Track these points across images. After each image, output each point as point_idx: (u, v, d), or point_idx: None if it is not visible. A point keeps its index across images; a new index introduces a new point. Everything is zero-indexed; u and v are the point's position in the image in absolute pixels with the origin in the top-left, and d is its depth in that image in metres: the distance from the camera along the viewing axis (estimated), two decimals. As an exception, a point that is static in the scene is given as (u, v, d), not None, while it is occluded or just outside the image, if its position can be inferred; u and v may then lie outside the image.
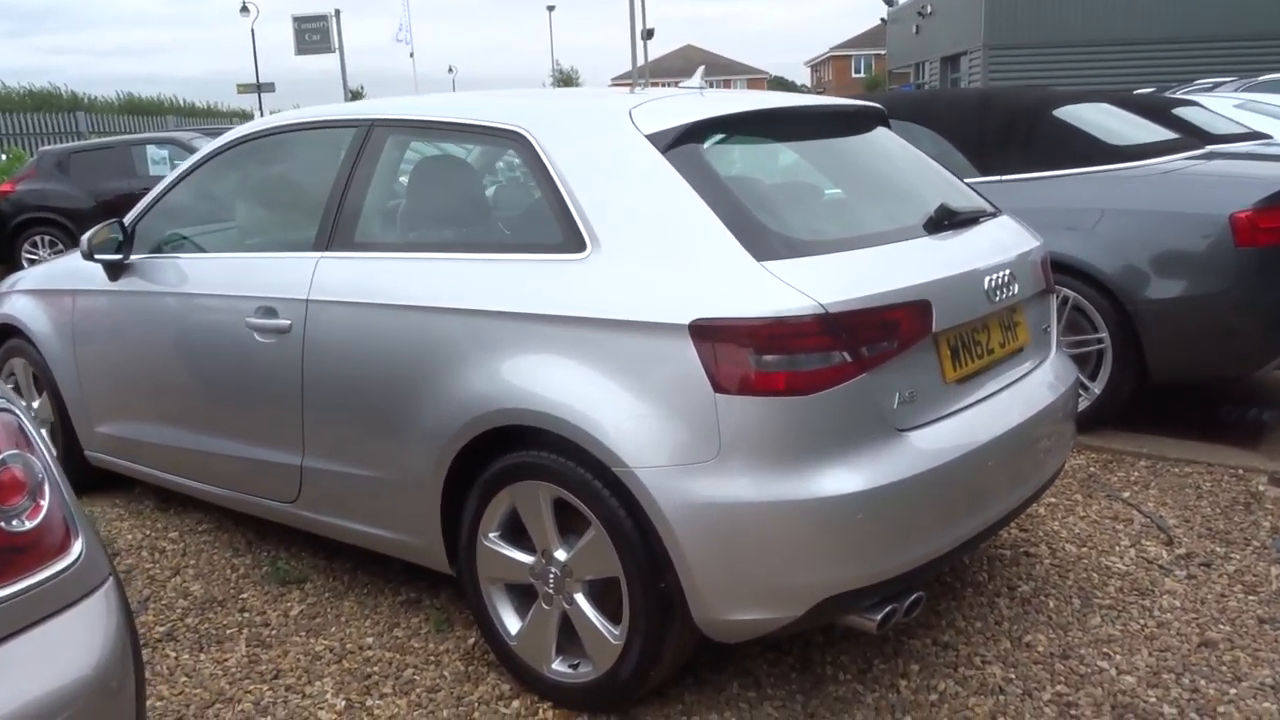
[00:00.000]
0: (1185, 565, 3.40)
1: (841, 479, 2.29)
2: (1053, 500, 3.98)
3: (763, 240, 2.40)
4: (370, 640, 3.03)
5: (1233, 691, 2.68)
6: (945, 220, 2.80)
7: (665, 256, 2.44)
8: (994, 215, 3.14)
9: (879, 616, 2.41)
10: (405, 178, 3.21)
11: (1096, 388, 4.54)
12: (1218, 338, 4.31)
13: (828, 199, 2.90)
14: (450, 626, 3.07)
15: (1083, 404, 4.55)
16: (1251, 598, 3.18)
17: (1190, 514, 3.82)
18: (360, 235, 3.08)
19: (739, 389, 2.28)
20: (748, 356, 2.27)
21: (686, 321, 2.32)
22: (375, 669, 2.87)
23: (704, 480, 2.30)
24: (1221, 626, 3.01)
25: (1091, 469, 4.31)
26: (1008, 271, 2.79)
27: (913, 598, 2.47)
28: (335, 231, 3.12)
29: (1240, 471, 4.18)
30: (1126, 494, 4.03)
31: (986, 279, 2.69)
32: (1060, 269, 4.48)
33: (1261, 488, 4.02)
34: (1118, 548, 3.54)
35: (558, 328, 2.51)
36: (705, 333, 2.30)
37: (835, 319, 2.30)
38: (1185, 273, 4.31)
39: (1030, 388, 2.92)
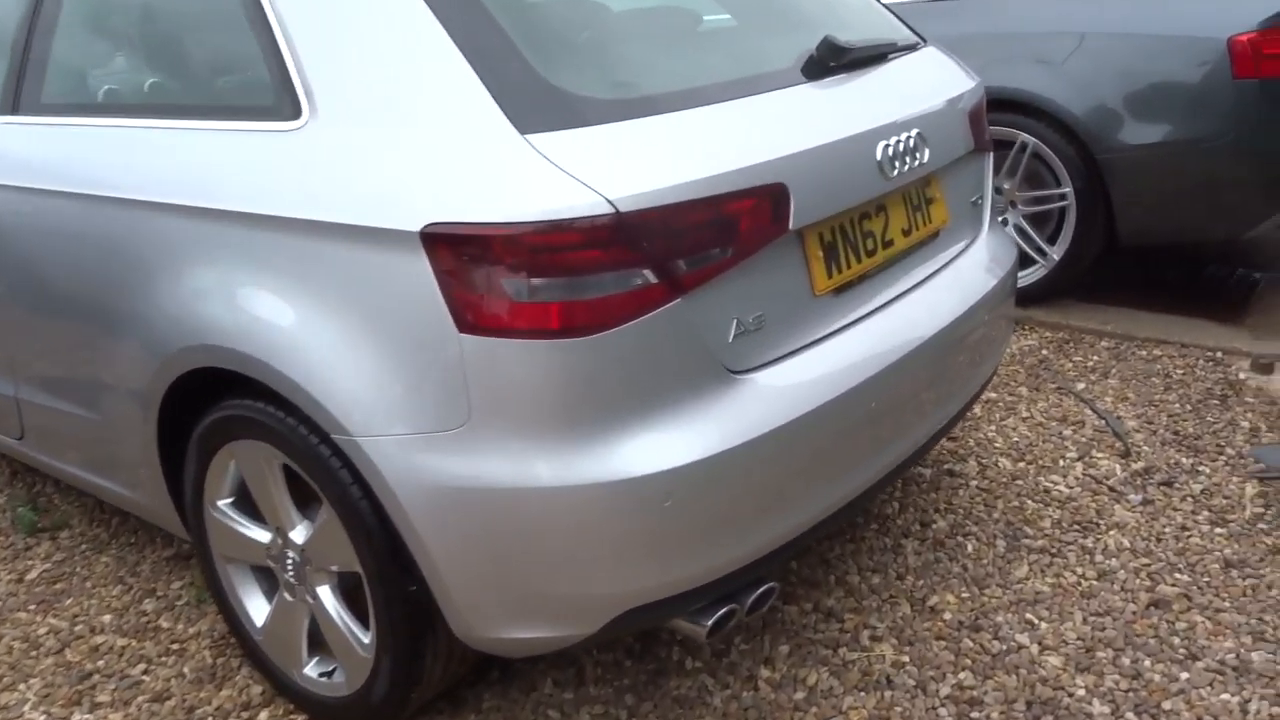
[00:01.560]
0: (1142, 485, 2.78)
1: (641, 453, 1.60)
2: (992, 395, 3.32)
3: (533, 100, 1.62)
4: (109, 619, 2.41)
5: (1184, 676, 2.09)
6: (831, 61, 2.01)
7: (395, 126, 1.67)
8: (910, 49, 2.34)
9: (709, 623, 1.77)
10: (104, 19, 2.37)
11: (1055, 252, 3.81)
12: (1204, 192, 3.56)
13: (654, 31, 2.09)
14: (210, 598, 2.45)
15: (1039, 272, 3.85)
16: (1219, 531, 2.57)
17: (1155, 412, 3.17)
18: (47, 96, 2.28)
19: (493, 327, 1.57)
20: (503, 280, 1.55)
21: (416, 228, 1.58)
22: (101, 663, 2.25)
23: (449, 456, 1.62)
24: (1179, 575, 2.41)
25: (1044, 351, 3.64)
26: (915, 132, 2.03)
27: (759, 591, 1.84)
28: (21, 89, 2.32)
29: (1219, 355, 3.51)
30: (1081, 385, 3.37)
31: (881, 145, 1.93)
32: (1018, 108, 3.69)
33: (1243, 375, 3.37)
34: (1062, 461, 2.91)
35: (260, 231, 1.77)
36: (442, 244, 1.57)
37: (633, 221, 1.56)
38: (1169, 112, 3.51)
39: (950, 283, 2.21)
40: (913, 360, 1.99)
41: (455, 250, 1.57)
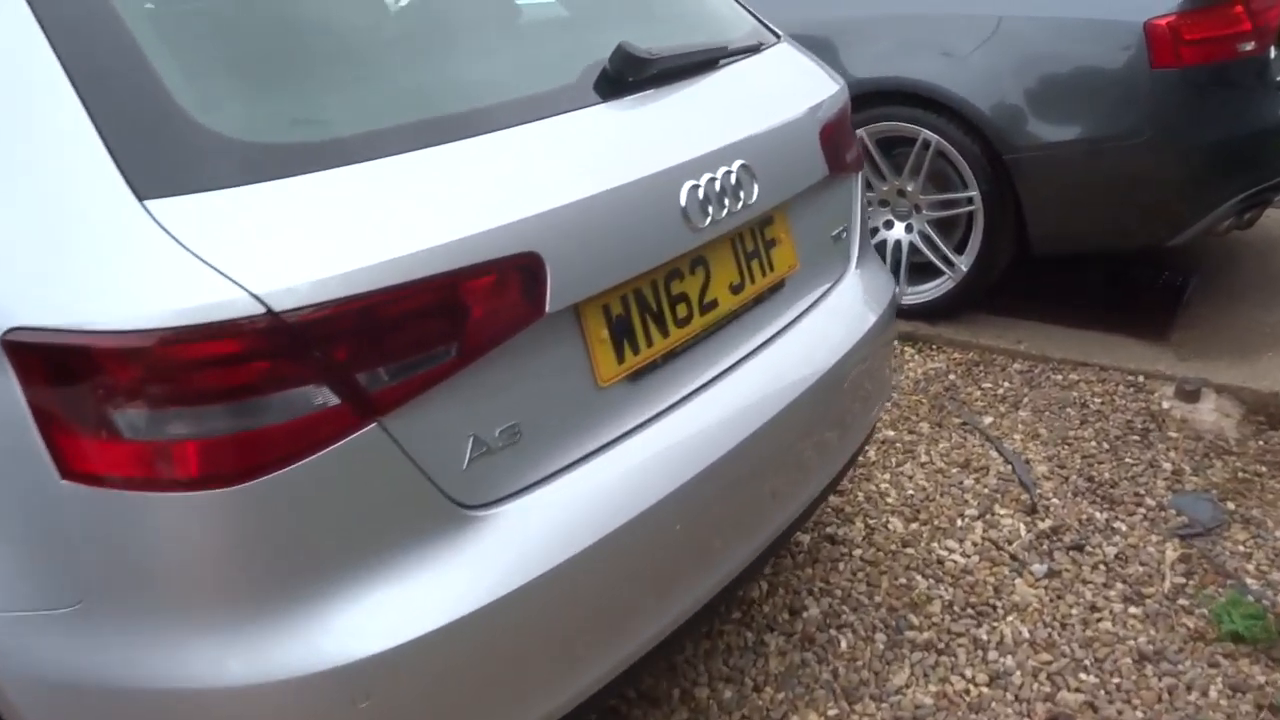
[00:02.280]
0: (1049, 550, 2.40)
1: (324, 640, 1.17)
2: (890, 434, 2.93)
3: (167, 148, 1.16)
4: None
5: (1086, 823, 1.71)
6: (629, 75, 1.57)
7: (-17, 187, 1.21)
8: (751, 51, 1.90)
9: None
10: None
11: (963, 262, 3.42)
12: (1121, 196, 3.18)
13: (385, 37, 1.62)
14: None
15: (946, 284, 3.46)
16: (1134, 611, 2.20)
17: (1069, 452, 2.80)
18: None
19: (105, 474, 1.12)
20: (115, 409, 1.10)
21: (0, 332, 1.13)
22: None
23: (61, 645, 1.17)
24: (1084, 676, 2.03)
25: (952, 376, 3.25)
26: (738, 165, 1.59)
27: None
28: None
29: (1140, 379, 3.15)
30: (989, 420, 2.99)
31: (687, 186, 1.50)
32: (920, 102, 3.28)
33: (1166, 404, 3.00)
34: (961, 521, 2.53)
35: None
36: (32, 358, 1.11)
37: (297, 323, 1.11)
38: (1081, 106, 3.12)
39: (802, 341, 1.79)
40: (744, 453, 1.57)
41: (50, 366, 1.11)
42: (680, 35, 1.80)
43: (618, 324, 1.45)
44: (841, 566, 2.38)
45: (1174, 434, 2.86)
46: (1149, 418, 2.94)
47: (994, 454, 2.81)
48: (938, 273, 3.48)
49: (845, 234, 2.02)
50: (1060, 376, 3.21)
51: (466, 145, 1.34)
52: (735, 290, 1.66)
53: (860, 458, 2.55)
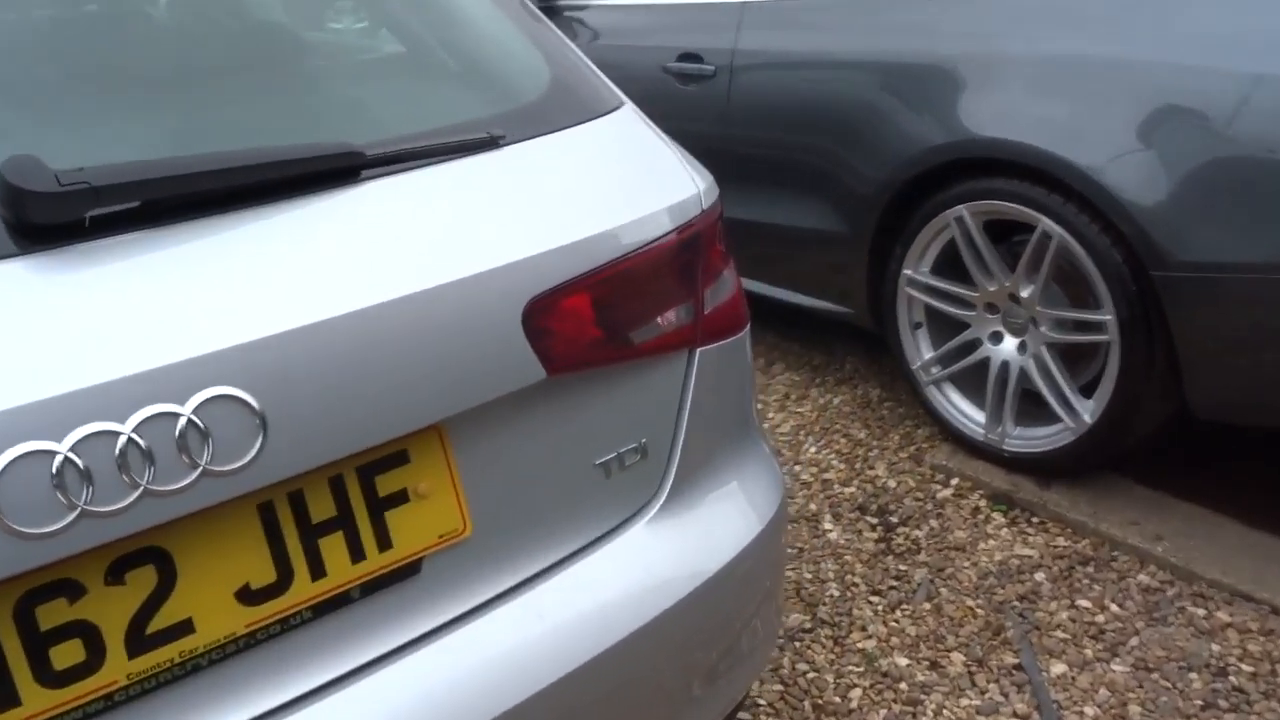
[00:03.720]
0: None
1: None
2: (898, 662, 2.01)
3: None
4: None
5: None
6: (81, 210, 0.87)
7: None
8: (486, 147, 1.13)
9: None
10: None
11: (1087, 411, 2.37)
12: (1340, 351, 2.04)
13: None
14: None
15: (1063, 436, 2.44)
16: None
17: (1161, 760, 1.77)
18: None
19: None
20: None
21: None
22: None
23: None
24: None
25: (1039, 576, 2.25)
26: (213, 398, 0.85)
27: None
28: None
29: (1331, 644, 2.01)
30: (1059, 670, 1.99)
31: (134, 428, 0.79)
32: (1039, 179, 2.33)
33: (1363, 700, 1.87)
34: None
35: None
36: None
37: None
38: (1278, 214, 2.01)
39: (475, 660, 1.03)
40: None
41: None
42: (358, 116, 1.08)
43: None
44: None
45: (1359, 763, 1.75)
46: (1324, 722, 1.84)
47: (1038, 738, 1.84)
48: (1052, 416, 2.46)
49: (642, 455, 1.20)
50: (1202, 611, 2.12)
51: None
52: (252, 598, 0.92)
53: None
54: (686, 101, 3.15)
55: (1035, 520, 2.44)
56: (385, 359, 0.95)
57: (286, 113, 1.08)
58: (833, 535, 2.45)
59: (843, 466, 2.71)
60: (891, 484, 2.63)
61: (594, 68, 1.35)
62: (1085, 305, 2.36)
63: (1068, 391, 2.40)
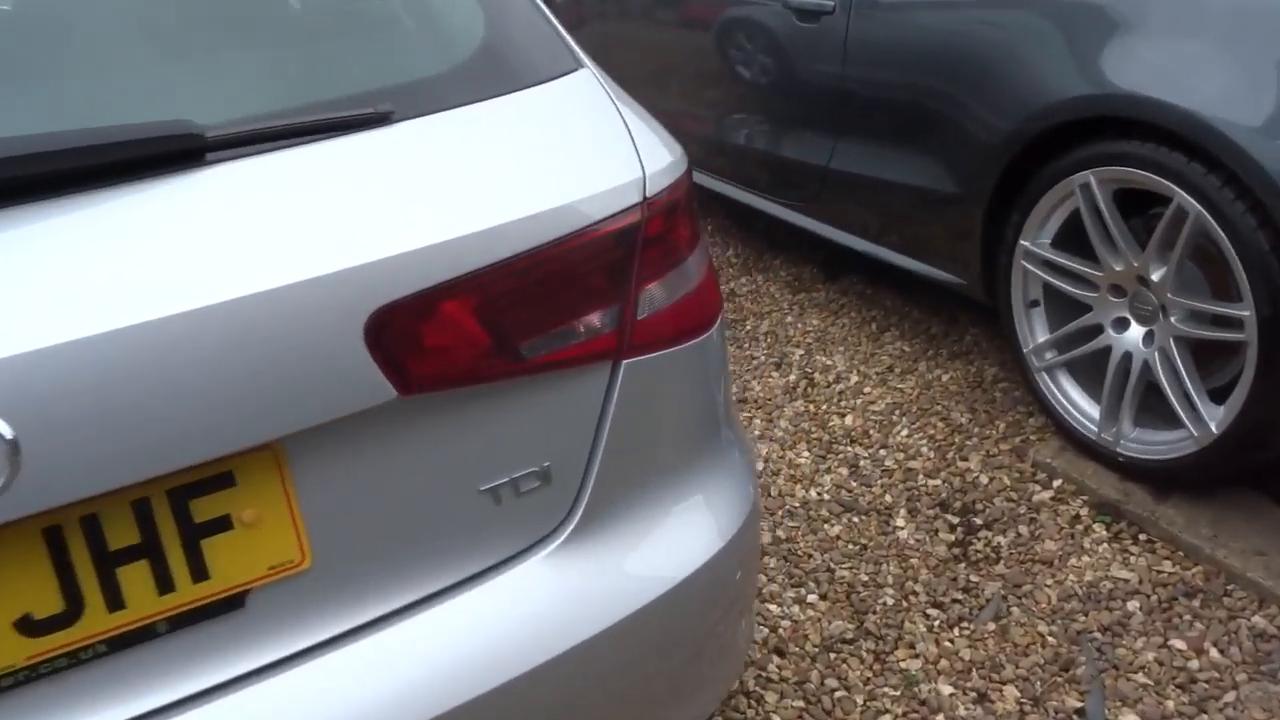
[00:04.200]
0: None
1: None
2: (941, 689, 1.80)
3: None
4: None
5: None
6: None
7: None
8: (365, 125, 0.99)
9: None
10: None
11: (1215, 419, 2.02)
12: None
13: None
14: None
15: (1184, 445, 2.12)
16: None
17: None
18: None
19: None
20: None
21: None
22: None
23: None
24: None
25: (1133, 605, 1.96)
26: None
27: None
28: None
29: None
30: (1126, 723, 1.73)
31: None
32: (1179, 145, 2.00)
33: None
34: None
35: None
36: None
37: None
38: None
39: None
40: None
41: None
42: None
43: None
44: None
45: None
46: None
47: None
48: (1173, 419, 2.11)
49: (544, 480, 1.05)
50: (1325, 672, 1.79)
51: None
52: (35, 629, 0.85)
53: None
54: (804, 40, 2.88)
55: (1142, 538, 2.13)
56: (198, 372, 0.85)
57: (138, 87, 0.98)
58: (903, 533, 2.22)
59: (933, 454, 2.46)
60: (984, 479, 2.36)
61: (550, 22, 1.18)
62: (1227, 296, 1.99)
63: (1195, 395, 2.06)
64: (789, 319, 3.16)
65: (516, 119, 1.07)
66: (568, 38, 1.19)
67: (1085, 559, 2.10)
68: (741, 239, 3.76)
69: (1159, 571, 2.04)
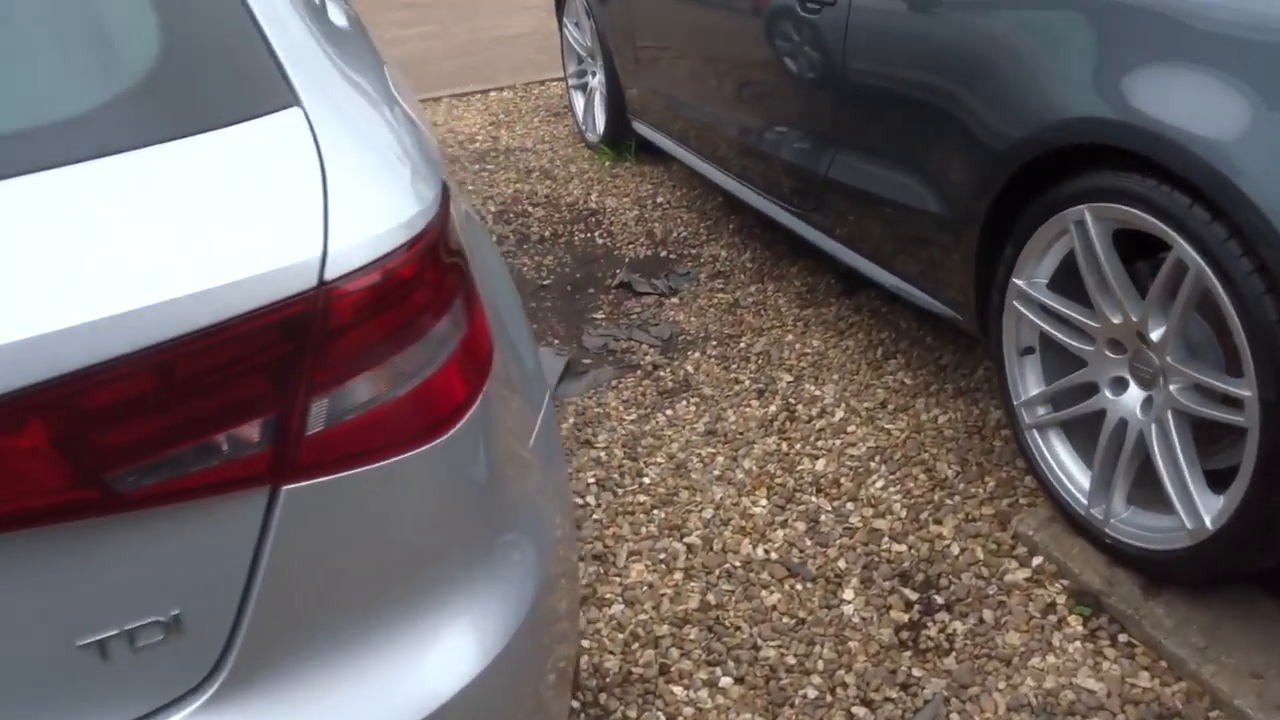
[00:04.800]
0: None
1: None
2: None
3: None
4: None
5: None
6: None
7: None
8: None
9: None
10: None
11: (1210, 512, 1.68)
12: None
13: None
14: None
15: (1177, 536, 1.80)
16: None
17: None
18: None
19: None
20: None
21: None
22: None
23: None
24: None
25: (1089, 727, 1.66)
26: None
27: None
28: None
29: None
30: None
31: None
32: (1179, 185, 1.67)
33: None
34: None
35: None
36: None
37: None
38: None
39: None
40: None
41: None
42: None
43: None
44: None
45: None
46: None
47: None
48: (1164, 504, 1.78)
49: (173, 630, 0.85)
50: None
51: None
52: None
53: None
54: (807, 31, 2.58)
55: (1122, 639, 1.82)
56: None
57: None
58: (849, 608, 1.96)
59: (904, 514, 2.17)
60: (955, 549, 2.07)
61: (263, 40, 0.96)
62: (1223, 367, 1.66)
63: (1190, 481, 1.73)
64: (789, 338, 2.88)
65: (169, 176, 0.86)
66: (290, 65, 0.96)
67: (1050, 659, 1.80)
68: (763, 242, 3.48)
69: (1133, 685, 1.73)
